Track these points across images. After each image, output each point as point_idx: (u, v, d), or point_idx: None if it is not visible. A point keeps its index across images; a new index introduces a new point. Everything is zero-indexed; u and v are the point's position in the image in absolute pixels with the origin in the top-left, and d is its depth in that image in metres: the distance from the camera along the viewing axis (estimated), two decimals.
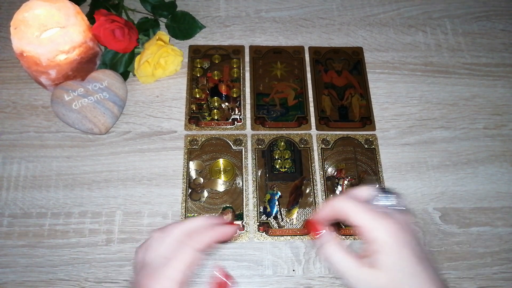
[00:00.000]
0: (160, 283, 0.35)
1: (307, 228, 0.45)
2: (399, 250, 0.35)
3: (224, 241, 0.45)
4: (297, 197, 0.51)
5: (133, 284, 0.37)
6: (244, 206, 0.50)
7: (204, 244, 0.37)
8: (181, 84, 0.57)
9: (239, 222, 0.49)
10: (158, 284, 0.35)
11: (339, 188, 0.51)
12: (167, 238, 0.38)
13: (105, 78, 0.52)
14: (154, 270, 0.36)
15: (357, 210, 0.37)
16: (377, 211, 0.37)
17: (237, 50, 0.60)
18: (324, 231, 0.39)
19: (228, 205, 0.50)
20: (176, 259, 0.36)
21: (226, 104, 0.56)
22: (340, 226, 0.49)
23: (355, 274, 0.36)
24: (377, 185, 0.44)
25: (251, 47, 0.60)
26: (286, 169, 0.52)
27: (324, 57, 0.60)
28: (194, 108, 0.55)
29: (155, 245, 0.39)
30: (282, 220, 0.49)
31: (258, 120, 0.55)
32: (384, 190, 0.39)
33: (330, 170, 0.52)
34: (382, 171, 0.53)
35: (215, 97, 0.56)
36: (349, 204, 0.37)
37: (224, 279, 0.37)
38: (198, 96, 0.56)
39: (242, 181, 0.51)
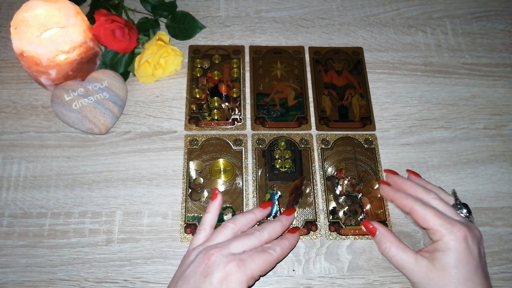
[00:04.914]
0: (242, 273, 0.38)
1: (364, 226, 0.47)
2: (460, 255, 0.41)
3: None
4: (297, 197, 0.51)
5: (199, 264, 0.39)
6: (244, 206, 0.50)
7: (283, 254, 0.42)
8: (181, 84, 0.57)
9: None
10: (240, 270, 0.38)
11: (339, 188, 0.51)
12: (250, 236, 0.42)
13: (105, 78, 0.52)
14: (239, 258, 0.39)
15: (433, 215, 0.43)
16: (451, 218, 0.43)
17: (237, 50, 0.60)
18: (380, 228, 0.46)
19: (228, 205, 0.50)
20: (259, 258, 0.39)
21: (226, 104, 0.56)
22: (341, 226, 0.49)
23: (411, 267, 0.42)
24: (454, 194, 0.48)
25: (251, 47, 0.60)
26: (286, 169, 0.52)
27: (324, 57, 0.60)
28: (194, 108, 0.55)
29: (231, 233, 0.42)
30: None
31: (258, 120, 0.55)
32: (459, 201, 0.47)
33: (330, 170, 0.52)
34: (382, 171, 0.53)
35: (215, 97, 0.56)
36: (426, 209, 0.43)
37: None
38: (198, 96, 0.56)
39: (242, 181, 0.51)
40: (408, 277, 0.43)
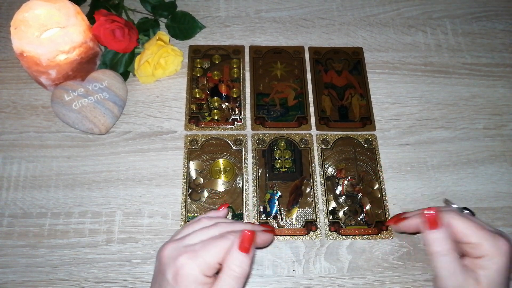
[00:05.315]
0: (194, 264, 0.35)
1: (427, 219, 0.38)
2: (505, 272, 0.38)
3: (261, 247, 0.46)
4: (297, 197, 0.51)
5: (166, 254, 0.37)
6: (244, 206, 0.50)
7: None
8: (181, 84, 0.57)
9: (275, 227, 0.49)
10: (190, 262, 0.35)
11: (339, 188, 0.51)
12: (213, 227, 0.39)
13: (105, 78, 0.52)
14: (191, 249, 0.36)
15: (475, 228, 0.38)
16: (492, 230, 0.39)
17: (237, 50, 0.60)
18: (442, 227, 0.38)
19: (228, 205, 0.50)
20: (215, 245, 0.36)
21: (226, 104, 0.56)
22: (341, 226, 0.49)
23: (458, 280, 0.37)
24: (449, 203, 0.45)
25: (251, 47, 0.60)
26: (286, 169, 0.52)
27: (324, 57, 0.60)
28: (194, 108, 0.55)
29: (200, 227, 0.39)
30: (282, 219, 0.49)
31: (258, 120, 0.55)
32: (460, 207, 0.44)
33: (330, 170, 0.52)
34: (382, 171, 0.53)
35: (215, 97, 0.56)
36: (466, 222, 0.38)
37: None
38: (198, 96, 0.56)
39: (242, 181, 0.51)
40: (442, 284, 0.38)
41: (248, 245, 0.36)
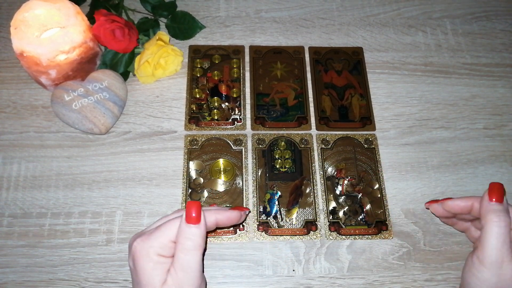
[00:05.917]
0: (146, 245, 0.36)
1: (493, 189, 0.40)
2: None
3: (230, 226, 0.45)
4: (297, 197, 0.51)
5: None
6: (244, 206, 0.50)
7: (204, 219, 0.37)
8: (181, 84, 0.57)
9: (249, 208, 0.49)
10: (143, 243, 0.36)
11: (339, 188, 0.51)
12: (176, 212, 0.40)
13: (105, 78, 0.52)
14: (145, 233, 0.37)
15: None
16: None
17: (237, 50, 0.60)
18: (504, 202, 0.40)
19: (228, 205, 0.50)
20: (167, 224, 0.37)
21: (226, 104, 0.56)
22: (341, 226, 0.49)
23: (504, 254, 0.38)
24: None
25: (251, 47, 0.60)
26: (286, 169, 0.52)
27: (324, 57, 0.60)
28: (194, 108, 0.55)
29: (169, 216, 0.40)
30: (282, 219, 0.49)
31: (258, 120, 0.55)
32: None
33: (330, 170, 0.52)
34: (382, 171, 0.53)
35: (215, 97, 0.56)
36: None
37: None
38: (198, 96, 0.56)
39: (242, 181, 0.51)
40: (487, 254, 0.39)
41: (195, 214, 0.36)
